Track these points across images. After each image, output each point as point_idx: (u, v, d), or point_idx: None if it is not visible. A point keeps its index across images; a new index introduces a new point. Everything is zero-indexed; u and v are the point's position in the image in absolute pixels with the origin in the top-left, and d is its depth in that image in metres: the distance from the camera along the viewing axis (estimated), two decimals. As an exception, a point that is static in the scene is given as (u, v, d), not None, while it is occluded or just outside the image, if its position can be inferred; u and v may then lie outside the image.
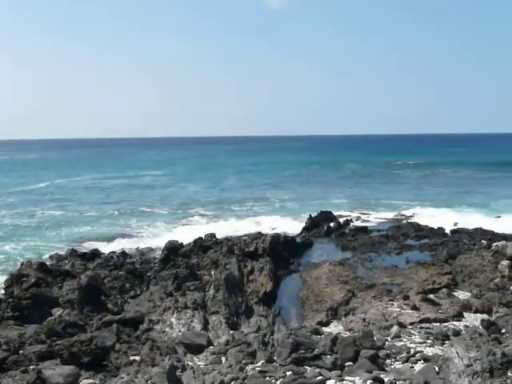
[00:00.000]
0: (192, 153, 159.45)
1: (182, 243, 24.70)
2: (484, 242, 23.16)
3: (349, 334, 12.98)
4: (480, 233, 27.69)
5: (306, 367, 9.84)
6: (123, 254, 24.96)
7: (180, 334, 13.68)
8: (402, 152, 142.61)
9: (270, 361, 10.35)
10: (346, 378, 9.19)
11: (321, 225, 30.40)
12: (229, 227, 32.53)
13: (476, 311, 14.89)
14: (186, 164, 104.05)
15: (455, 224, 32.05)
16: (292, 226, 32.39)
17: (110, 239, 30.02)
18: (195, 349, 12.18)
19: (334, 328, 14.68)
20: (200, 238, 25.79)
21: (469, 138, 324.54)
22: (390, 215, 37.13)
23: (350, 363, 9.84)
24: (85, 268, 21.89)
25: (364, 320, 14.20)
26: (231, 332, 13.81)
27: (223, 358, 11.10)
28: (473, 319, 14.15)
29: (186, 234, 29.09)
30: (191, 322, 14.36)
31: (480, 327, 12.32)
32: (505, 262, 17.72)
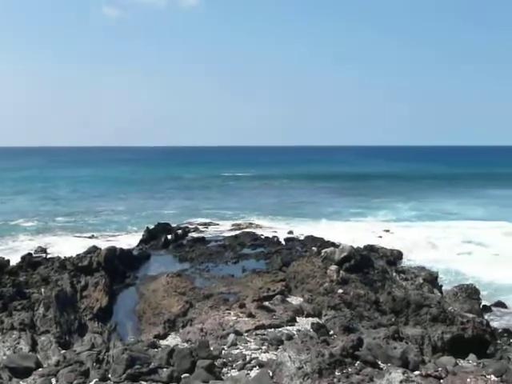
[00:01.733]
0: (13, 163, 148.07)
1: (8, 260, 22.98)
2: (314, 248, 24.33)
3: (186, 345, 12.89)
4: (311, 240, 29.02)
5: (142, 382, 9.60)
6: None
7: (5, 357, 12.67)
8: (243, 164, 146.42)
9: (103, 379, 9.94)
10: (183, 390, 9.10)
11: (158, 236, 30.07)
12: (61, 241, 31.07)
13: (308, 315, 15.54)
14: (12, 175, 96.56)
15: (289, 232, 33.39)
16: (128, 239, 31.73)
17: None
18: (22, 372, 11.31)
19: (172, 340, 14.52)
20: (29, 254, 24.30)
21: (314, 150, 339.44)
22: (227, 225, 37.78)
23: (187, 375, 9.76)
24: None
25: (201, 330, 14.21)
26: (63, 352, 13.06)
27: (53, 380, 10.45)
28: (304, 323, 14.74)
29: (13, 249, 27.28)
30: (18, 343, 13.38)
31: (311, 330, 12.88)
32: (333, 267, 18.73)
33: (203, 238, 30.81)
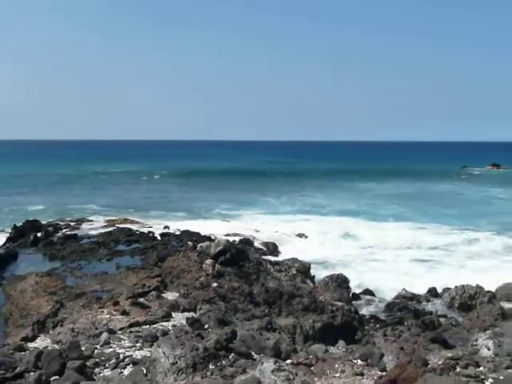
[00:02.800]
0: None
1: None
2: (190, 243, 24.33)
3: (57, 346, 12.39)
4: (187, 235, 28.98)
5: (6, 388, 9.11)
6: None
7: None
8: (111, 158, 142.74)
9: (-36, 387, 9.32)
10: (51, 393, 8.74)
11: (27, 234, 28.62)
12: None
13: (183, 310, 15.49)
14: None
15: (165, 227, 33.12)
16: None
17: None
18: None
19: (41, 342, 13.86)
20: None
21: (181, 144, 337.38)
22: (101, 222, 36.73)
23: (57, 377, 9.38)
24: None
25: (73, 330, 13.70)
26: None
27: None
28: (180, 318, 14.69)
29: None
30: None
31: (186, 325, 12.87)
32: (208, 261, 18.86)
33: (75, 234, 29.70)
